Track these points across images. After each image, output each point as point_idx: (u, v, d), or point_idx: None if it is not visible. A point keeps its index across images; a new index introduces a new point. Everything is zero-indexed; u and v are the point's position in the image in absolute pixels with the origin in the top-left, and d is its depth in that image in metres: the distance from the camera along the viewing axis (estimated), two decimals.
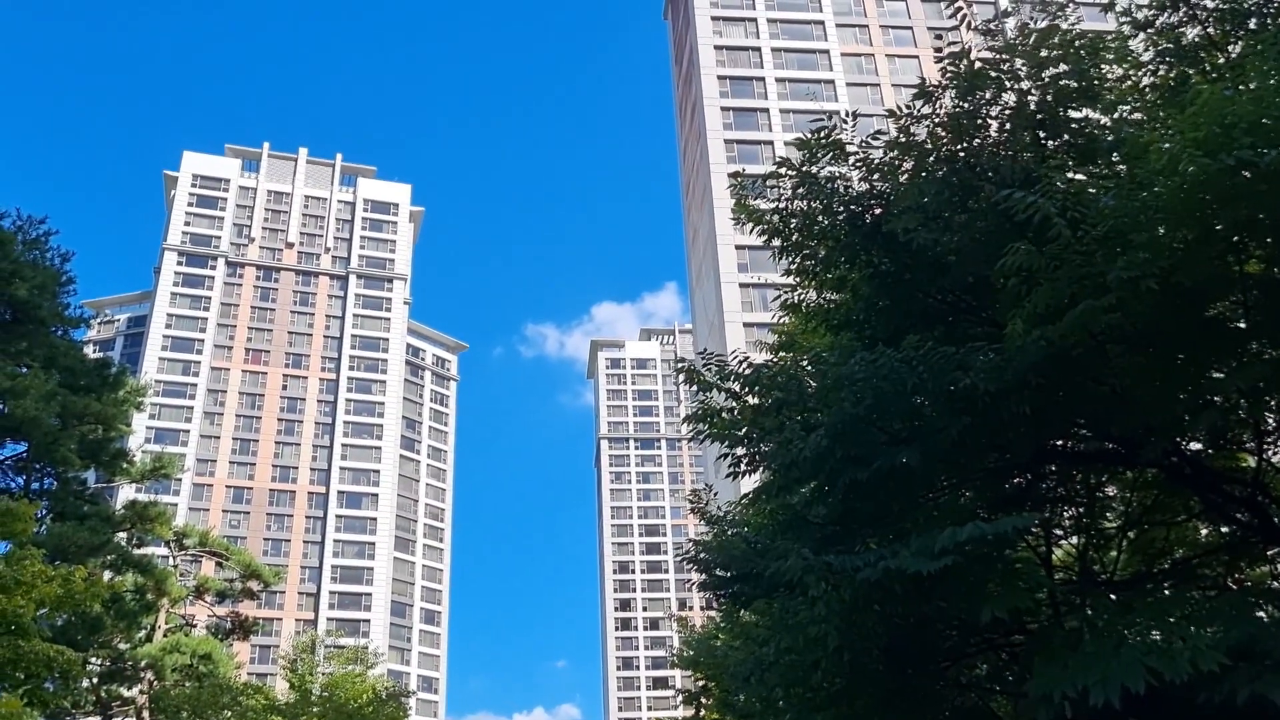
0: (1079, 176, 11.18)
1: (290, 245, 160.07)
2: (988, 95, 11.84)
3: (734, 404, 12.83)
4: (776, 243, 14.02)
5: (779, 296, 15.91)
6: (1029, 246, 9.64)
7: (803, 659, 11.54)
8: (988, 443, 12.16)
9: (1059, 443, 13.99)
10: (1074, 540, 16.35)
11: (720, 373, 12.68)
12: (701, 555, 16.26)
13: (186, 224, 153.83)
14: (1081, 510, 15.58)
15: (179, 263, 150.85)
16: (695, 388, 12.98)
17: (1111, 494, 16.18)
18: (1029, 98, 11.67)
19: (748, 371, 12.16)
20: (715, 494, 18.61)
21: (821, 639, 10.92)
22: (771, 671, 12.24)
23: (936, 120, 12.28)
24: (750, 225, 14.46)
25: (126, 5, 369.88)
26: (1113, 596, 13.67)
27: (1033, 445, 12.94)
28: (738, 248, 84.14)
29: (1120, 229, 9.24)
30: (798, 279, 14.71)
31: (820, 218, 12.99)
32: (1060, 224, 9.44)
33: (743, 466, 12.89)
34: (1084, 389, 11.56)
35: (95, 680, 38.00)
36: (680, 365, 13.29)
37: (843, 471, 11.34)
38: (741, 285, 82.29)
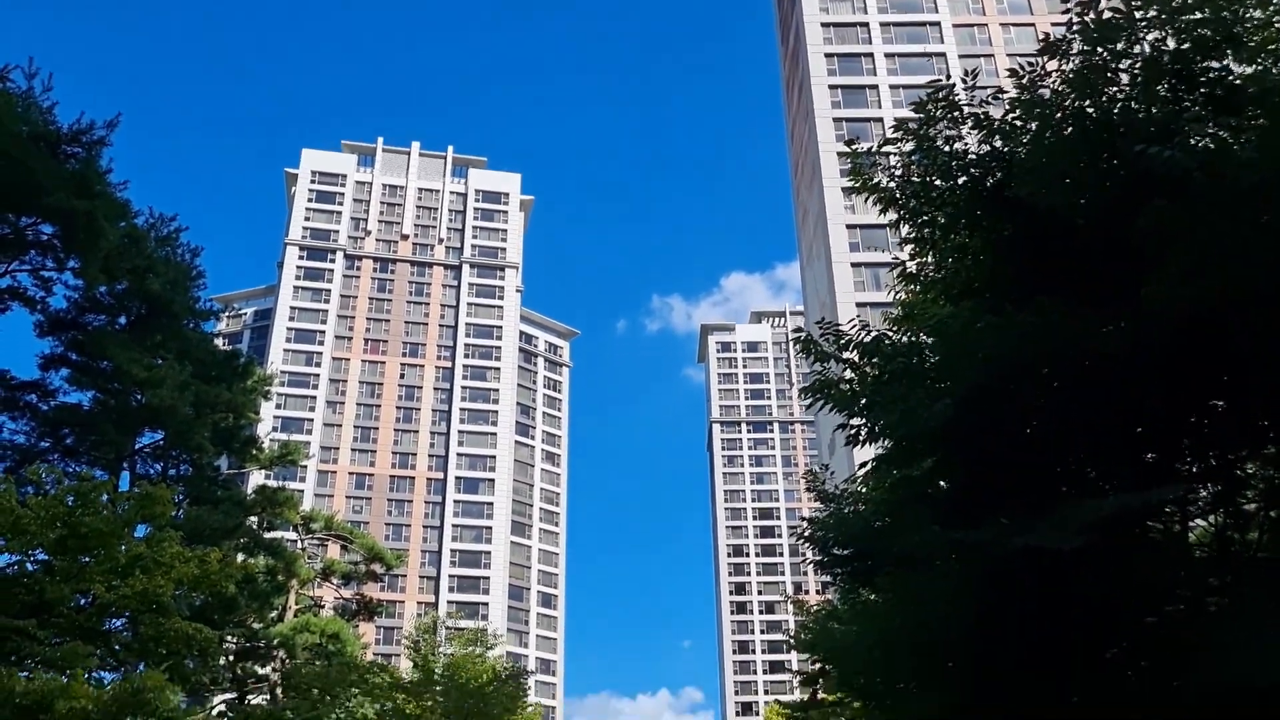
0: (1219, 131, 10.54)
1: (405, 237, 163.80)
2: (1119, 47, 11.25)
3: (852, 374, 12.52)
4: (892, 213, 13.65)
5: (896, 266, 15.47)
6: (1167, 204, 9.10)
7: (930, 636, 11.24)
8: (1121, 414, 11.62)
9: (1195, 417, 13.32)
10: (1210, 520, 15.58)
11: (837, 343, 12.39)
12: (818, 533, 16.01)
13: (307, 219, 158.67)
14: (1219, 488, 14.82)
15: (300, 257, 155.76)
16: (812, 358, 12.71)
17: (1251, 471, 15.34)
18: (1163, 48, 11.04)
19: (867, 340, 11.84)
20: (831, 473, 18.30)
21: (949, 615, 10.59)
22: (896, 643, 11.97)
23: (1062, 77, 11.73)
24: (865, 196, 14.10)
25: (244, 11, 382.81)
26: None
27: (1169, 417, 12.35)
28: (849, 226, 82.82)
29: (1267, 181, 8.65)
30: (915, 248, 14.28)
31: (938, 183, 12.56)
32: (1200, 179, 8.89)
33: (862, 436, 12.57)
34: (1224, 354, 10.93)
35: (231, 658, 39.52)
36: (797, 335, 13.03)
37: (969, 442, 10.95)
38: (853, 264, 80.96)
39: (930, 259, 14.58)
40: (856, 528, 15.14)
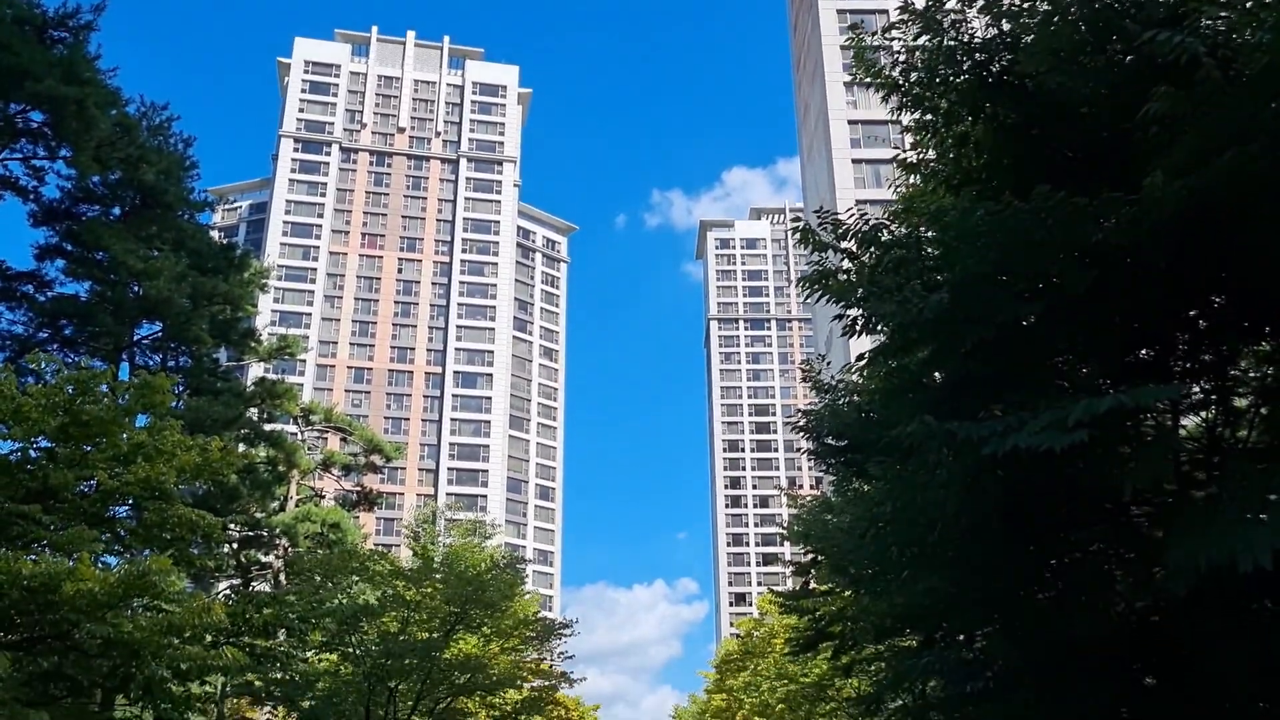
0: (1230, 14, 10.30)
1: (401, 130, 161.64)
2: None
3: (850, 264, 12.48)
4: (894, 100, 13.43)
5: (896, 156, 15.28)
6: (1174, 90, 8.92)
7: (920, 524, 11.41)
8: (1117, 306, 11.62)
9: (1192, 312, 13.32)
10: (1201, 416, 15.70)
11: (835, 232, 12.31)
12: (813, 423, 16.21)
13: (301, 111, 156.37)
14: (1211, 385, 14.89)
15: (295, 149, 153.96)
16: (810, 248, 12.64)
17: (1244, 368, 15.40)
18: None
19: (865, 229, 11.76)
20: (828, 363, 18.43)
21: (940, 503, 10.73)
22: (887, 530, 12.17)
23: None
24: (868, 83, 13.84)
25: None
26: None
27: (1167, 313, 12.34)
28: (850, 122, 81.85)
29: (1276, 65, 8.46)
30: (916, 135, 14.09)
31: (942, 68, 12.32)
32: (1209, 64, 8.70)
33: (858, 327, 12.60)
34: (1225, 246, 10.87)
35: (235, 546, 40.32)
36: (796, 224, 12.93)
37: (965, 332, 10.93)
38: (854, 160, 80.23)
39: (932, 151, 14.41)
40: (850, 417, 15.32)
